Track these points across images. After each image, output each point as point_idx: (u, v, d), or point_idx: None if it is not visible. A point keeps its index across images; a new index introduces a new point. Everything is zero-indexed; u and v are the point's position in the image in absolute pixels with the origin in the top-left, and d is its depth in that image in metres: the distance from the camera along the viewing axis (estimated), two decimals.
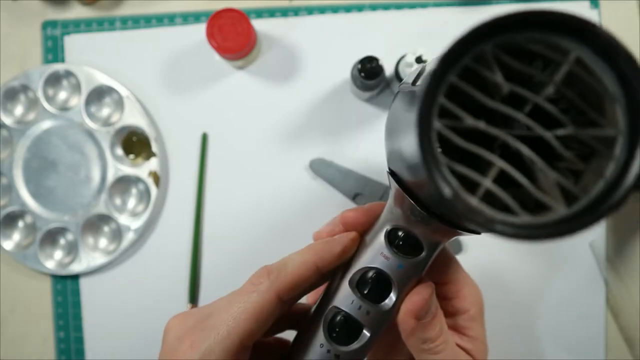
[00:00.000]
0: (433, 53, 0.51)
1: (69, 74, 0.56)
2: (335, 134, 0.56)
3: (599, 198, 0.15)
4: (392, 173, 0.25)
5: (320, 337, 0.26)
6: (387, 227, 0.26)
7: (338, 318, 0.26)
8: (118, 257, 0.57)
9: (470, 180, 0.16)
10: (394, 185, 0.24)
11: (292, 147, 0.57)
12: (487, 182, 0.16)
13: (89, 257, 0.56)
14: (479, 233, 0.23)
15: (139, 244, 0.57)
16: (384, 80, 0.52)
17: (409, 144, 0.17)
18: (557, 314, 0.56)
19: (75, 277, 0.58)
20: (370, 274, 0.26)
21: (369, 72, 0.49)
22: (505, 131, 0.16)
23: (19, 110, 0.58)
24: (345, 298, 0.26)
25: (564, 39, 0.16)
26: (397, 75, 0.50)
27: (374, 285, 0.26)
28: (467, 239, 0.55)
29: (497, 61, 0.16)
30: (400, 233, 0.25)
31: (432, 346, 0.26)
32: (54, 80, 0.57)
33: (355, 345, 0.26)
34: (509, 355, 0.54)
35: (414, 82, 0.21)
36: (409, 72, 0.49)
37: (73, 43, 0.58)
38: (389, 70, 0.52)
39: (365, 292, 0.26)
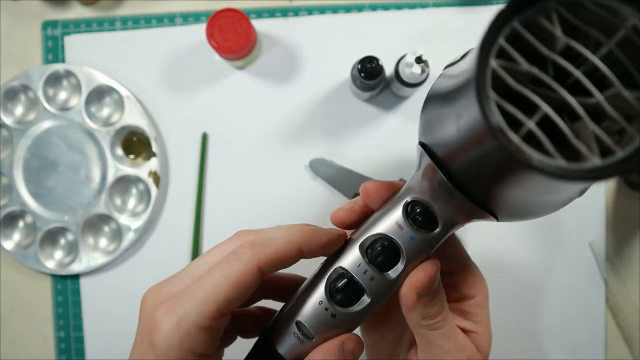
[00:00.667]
0: (433, 53, 0.51)
1: (69, 74, 0.56)
2: (335, 134, 0.56)
3: (633, 155, 0.16)
4: (423, 145, 0.25)
5: (320, 294, 0.26)
6: (408, 199, 0.26)
7: (342, 279, 0.26)
8: (118, 257, 0.57)
9: (515, 120, 0.17)
10: (425, 158, 0.25)
11: (292, 147, 0.57)
12: (530, 124, 0.17)
13: (89, 257, 0.56)
14: (496, 218, 0.24)
15: (139, 244, 0.57)
16: (384, 80, 0.52)
17: (459, 95, 0.19)
18: (557, 313, 0.56)
19: (75, 277, 0.58)
20: (382, 241, 0.26)
21: (368, 72, 0.49)
22: (554, 82, 0.17)
23: (19, 110, 0.58)
24: (352, 260, 0.26)
25: (623, 5, 0.17)
26: (397, 75, 0.50)
27: (383, 253, 0.26)
28: (467, 238, 0.55)
29: (558, 16, 0.17)
30: (418, 206, 0.26)
31: (431, 322, 0.27)
32: (54, 80, 0.57)
33: (353, 309, 0.26)
34: (508, 355, 0.54)
35: (462, 57, 0.22)
36: (409, 72, 0.49)
37: (73, 43, 0.58)
38: (389, 70, 0.52)
39: (374, 258, 0.26)
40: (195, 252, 0.56)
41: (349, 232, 0.28)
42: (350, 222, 0.28)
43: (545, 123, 0.17)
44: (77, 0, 0.58)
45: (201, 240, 0.57)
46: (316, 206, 0.56)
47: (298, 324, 0.27)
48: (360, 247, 0.26)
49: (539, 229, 0.56)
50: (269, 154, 0.57)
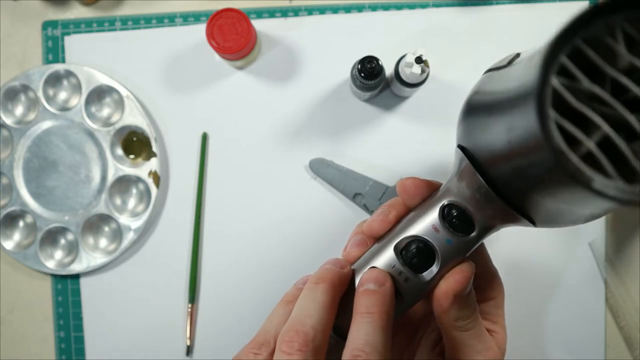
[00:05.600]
0: (433, 53, 0.51)
1: (69, 74, 0.56)
2: (335, 134, 0.56)
3: None
4: (463, 149, 0.25)
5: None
6: (444, 202, 0.26)
7: None
8: (118, 257, 0.57)
9: (570, 136, 0.17)
10: (464, 162, 0.25)
11: (292, 147, 0.57)
12: (590, 144, 0.16)
13: (89, 257, 0.56)
14: (534, 223, 0.24)
15: (139, 244, 0.57)
16: (384, 80, 0.52)
17: (511, 106, 0.19)
18: (556, 313, 0.56)
19: (75, 277, 0.58)
20: (417, 243, 0.26)
21: (368, 72, 0.49)
22: (616, 101, 0.17)
23: (19, 110, 0.58)
24: (387, 262, 0.26)
25: None
26: (397, 75, 0.50)
27: (418, 255, 0.26)
28: None
29: (623, 34, 0.17)
30: (455, 209, 0.26)
31: (463, 324, 0.27)
32: (54, 80, 0.57)
33: None
34: (508, 355, 0.54)
35: (509, 63, 0.22)
36: (409, 72, 0.49)
37: (73, 43, 0.58)
38: (389, 70, 0.52)
39: (409, 260, 0.26)
40: (196, 252, 0.56)
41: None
42: (385, 232, 0.28)
43: (602, 142, 0.17)
44: (77, 0, 0.58)
45: (201, 240, 0.57)
46: (316, 206, 0.56)
47: (335, 327, 0.27)
48: (395, 248, 0.26)
49: (538, 229, 0.56)
50: (269, 154, 0.57)
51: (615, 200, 0.16)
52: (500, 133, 0.20)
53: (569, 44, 0.17)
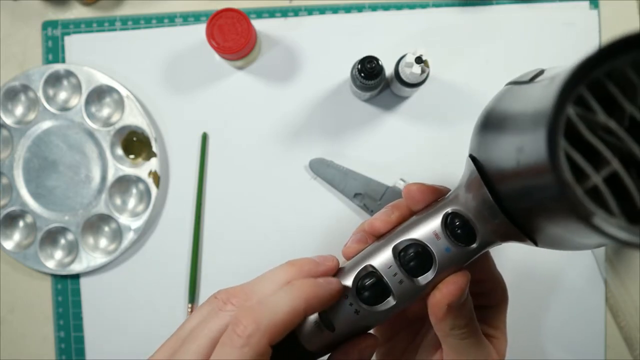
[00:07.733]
0: (433, 53, 0.51)
1: (69, 74, 0.56)
2: (335, 134, 0.56)
3: None
4: (474, 160, 0.25)
5: (347, 289, 0.27)
6: (449, 210, 0.26)
7: (370, 277, 0.27)
8: (118, 257, 0.57)
9: (581, 171, 0.16)
10: (474, 173, 0.25)
11: (292, 147, 0.57)
12: (597, 178, 0.16)
13: (89, 257, 0.56)
14: (536, 244, 0.24)
15: (139, 244, 0.57)
16: (384, 80, 0.52)
17: (525, 126, 0.18)
18: (557, 313, 0.56)
19: (75, 277, 0.58)
20: (416, 247, 0.26)
21: (368, 72, 0.49)
22: (629, 137, 0.16)
23: (19, 110, 0.58)
24: (383, 261, 0.26)
25: None
26: (397, 75, 0.50)
27: (415, 259, 0.26)
28: None
29: None
30: (458, 219, 0.26)
31: (459, 332, 0.27)
32: (54, 80, 0.57)
33: (377, 308, 0.26)
34: (508, 355, 0.54)
35: (531, 80, 0.22)
36: (409, 72, 0.49)
37: (73, 43, 0.58)
38: (389, 70, 0.52)
39: (405, 262, 0.26)
40: (195, 252, 0.56)
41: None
42: (386, 231, 0.28)
43: (611, 177, 0.16)
44: (77, 0, 0.58)
45: (201, 240, 0.57)
46: (316, 206, 0.56)
47: (321, 313, 0.27)
48: (394, 249, 0.26)
49: None
50: (269, 154, 0.57)
51: (613, 239, 0.16)
52: (511, 151, 0.20)
53: (589, 74, 0.16)
